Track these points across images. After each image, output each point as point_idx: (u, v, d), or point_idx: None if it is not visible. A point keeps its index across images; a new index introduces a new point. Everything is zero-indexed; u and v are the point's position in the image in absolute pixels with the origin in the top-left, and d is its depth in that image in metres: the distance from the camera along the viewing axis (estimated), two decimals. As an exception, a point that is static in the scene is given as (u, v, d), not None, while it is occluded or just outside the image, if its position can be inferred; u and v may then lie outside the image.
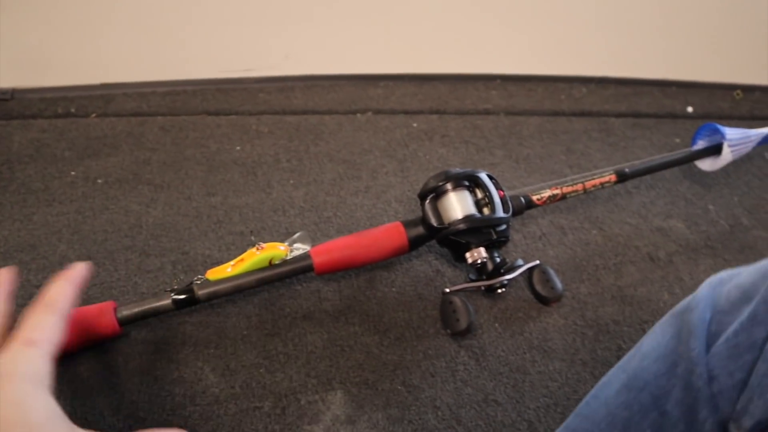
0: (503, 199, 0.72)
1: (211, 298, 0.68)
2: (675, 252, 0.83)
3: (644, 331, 0.72)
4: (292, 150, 0.92)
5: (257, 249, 0.69)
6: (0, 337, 0.45)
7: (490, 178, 0.72)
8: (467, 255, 0.69)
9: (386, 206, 0.84)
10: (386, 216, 0.83)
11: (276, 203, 0.84)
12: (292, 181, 0.87)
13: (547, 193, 0.77)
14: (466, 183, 0.71)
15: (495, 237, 0.69)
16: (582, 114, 1.04)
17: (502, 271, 0.70)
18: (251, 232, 0.79)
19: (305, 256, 0.70)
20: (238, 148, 0.92)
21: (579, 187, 0.79)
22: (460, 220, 0.68)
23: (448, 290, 0.70)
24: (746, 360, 0.39)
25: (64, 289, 0.48)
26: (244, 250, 0.69)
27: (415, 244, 0.71)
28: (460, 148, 0.95)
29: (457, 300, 0.68)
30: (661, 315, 0.76)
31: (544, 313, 0.74)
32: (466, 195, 0.70)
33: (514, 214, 0.75)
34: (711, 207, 0.90)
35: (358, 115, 1.00)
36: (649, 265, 0.81)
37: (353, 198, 0.85)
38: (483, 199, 0.71)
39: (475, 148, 0.95)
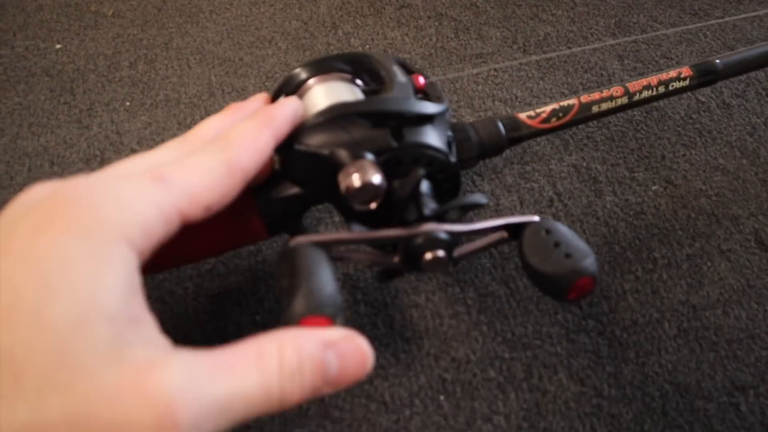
0: (425, 91, 0.36)
1: None
2: (808, 227, 0.44)
3: (739, 411, 0.37)
4: (144, 46, 0.56)
5: None
6: None
7: (401, 65, 0.36)
8: (339, 179, 0.31)
9: (276, 146, 0.48)
10: (273, 165, 0.47)
11: (93, 145, 0.49)
12: (128, 103, 0.52)
13: (548, 107, 0.39)
14: (348, 68, 0.36)
15: (396, 144, 0.32)
16: (649, -42, 0.61)
17: (428, 212, 0.32)
18: None
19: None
20: (59, 46, 0.56)
21: (616, 91, 0.40)
22: (318, 112, 0.32)
23: (293, 243, 0.30)
24: None
25: (252, 130, 0.29)
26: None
27: (276, 215, 0.34)
28: (427, 29, 0.55)
29: (304, 254, 0.29)
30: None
31: (539, 365, 0.39)
32: (349, 86, 0.35)
33: (485, 153, 0.38)
34: None
35: (268, -24, 0.61)
36: (756, 259, 0.43)
37: (226, 131, 0.49)
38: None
39: (452, 28, 0.55)
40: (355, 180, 0.30)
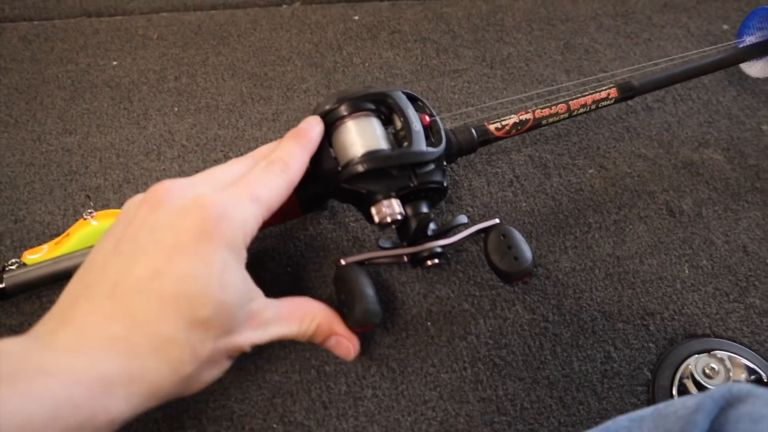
0: (430, 128, 0.47)
1: (26, 289, 0.50)
2: (707, 200, 0.58)
3: (648, 330, 0.50)
4: (185, 63, 0.68)
5: (86, 218, 0.49)
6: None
7: (412, 99, 0.48)
8: (373, 211, 0.45)
9: (297, 142, 0.61)
10: (295, 157, 0.60)
11: (150, 142, 0.62)
12: (176, 109, 0.64)
13: (510, 120, 0.53)
14: (372, 106, 0.47)
15: (416, 183, 0.45)
16: (593, -8, 0.75)
17: (430, 233, 0.47)
18: (87, 195, 0.58)
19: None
20: (115, 63, 0.69)
21: (560, 108, 0.54)
22: (358, 158, 0.44)
23: (343, 262, 0.47)
24: None
25: (298, 153, 0.43)
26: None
27: (309, 201, 0.48)
28: (414, 50, 0.69)
29: (353, 277, 0.45)
30: (678, 302, 0.52)
31: (501, 301, 0.52)
32: (374, 123, 0.46)
33: (460, 152, 0.51)
34: (765, 127, 0.63)
35: (283, 6, 0.74)
36: (666, 222, 0.56)
37: (255, 130, 0.62)
38: (402, 130, 0.46)
39: (434, 49, 0.69)
40: (387, 217, 0.44)
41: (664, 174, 0.59)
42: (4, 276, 0.49)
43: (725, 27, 0.72)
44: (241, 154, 0.58)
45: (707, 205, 0.58)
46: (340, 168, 0.45)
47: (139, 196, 0.38)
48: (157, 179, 0.59)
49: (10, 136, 0.63)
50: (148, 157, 0.60)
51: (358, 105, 0.46)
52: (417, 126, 0.46)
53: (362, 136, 0.45)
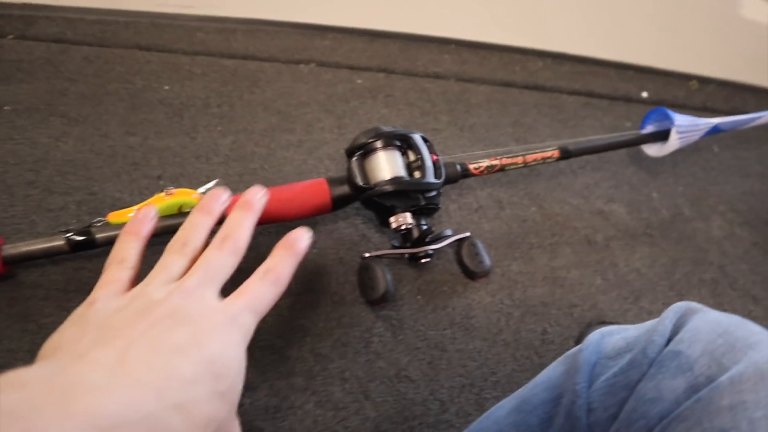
0: (436, 164, 0.67)
1: (111, 242, 0.62)
2: (613, 237, 0.80)
3: (572, 316, 0.70)
4: (225, 95, 0.86)
5: (166, 194, 0.64)
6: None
7: (425, 140, 0.68)
8: (391, 219, 0.64)
9: (317, 162, 0.79)
10: (316, 172, 0.78)
11: (200, 149, 0.78)
12: (220, 128, 0.81)
13: (485, 163, 0.73)
14: (398, 143, 0.66)
15: (423, 203, 0.64)
16: (535, 88, 1.00)
17: (427, 239, 0.66)
18: (159, 176, 0.73)
19: (219, 206, 0.65)
20: (167, 87, 0.85)
21: (519, 159, 0.75)
22: (386, 181, 0.63)
23: (367, 255, 0.65)
24: (620, 397, 0.42)
25: (291, 267, 0.46)
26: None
27: (339, 203, 0.66)
28: (404, 110, 0.90)
29: (375, 266, 0.64)
30: (592, 300, 0.74)
31: (470, 288, 0.70)
32: (397, 155, 0.65)
33: (448, 181, 0.71)
34: (655, 195, 0.88)
35: (301, 65, 0.94)
36: (585, 248, 0.78)
37: (283, 151, 0.80)
38: (415, 161, 0.66)
39: (419, 112, 0.90)
40: (402, 225, 0.63)
41: (583, 216, 0.82)
42: (94, 230, 0.62)
43: (628, 124, 0.98)
44: (275, 168, 0.76)
45: (613, 240, 0.80)
46: (371, 185, 0.64)
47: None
48: (208, 178, 0.75)
49: (81, 131, 0.77)
50: (199, 160, 0.76)
51: (388, 141, 0.65)
52: (429, 163, 0.66)
53: (389, 164, 0.64)
